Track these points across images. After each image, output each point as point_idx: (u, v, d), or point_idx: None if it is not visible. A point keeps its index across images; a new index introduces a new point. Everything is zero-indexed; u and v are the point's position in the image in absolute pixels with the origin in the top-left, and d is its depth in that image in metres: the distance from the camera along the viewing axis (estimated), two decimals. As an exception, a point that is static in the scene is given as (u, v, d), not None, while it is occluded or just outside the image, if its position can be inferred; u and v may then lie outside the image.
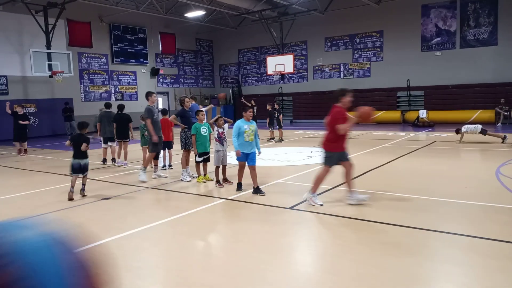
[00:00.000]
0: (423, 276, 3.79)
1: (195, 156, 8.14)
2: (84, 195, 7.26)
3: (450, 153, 11.17)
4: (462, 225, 5.18)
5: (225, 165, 7.84)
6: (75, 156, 7.30)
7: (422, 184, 7.55)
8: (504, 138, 12.40)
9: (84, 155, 7.35)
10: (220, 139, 7.75)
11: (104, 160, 11.08)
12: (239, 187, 7.22)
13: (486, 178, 7.92)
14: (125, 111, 11.03)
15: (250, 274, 3.91)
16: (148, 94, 8.90)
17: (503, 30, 19.97)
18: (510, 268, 3.83)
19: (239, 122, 7.01)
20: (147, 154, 10.24)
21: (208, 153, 8.19)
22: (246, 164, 7.05)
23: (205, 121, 8.28)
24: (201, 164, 8.21)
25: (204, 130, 8.03)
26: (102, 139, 11.05)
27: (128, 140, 10.73)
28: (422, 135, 16.31)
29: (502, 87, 19.68)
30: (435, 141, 13.80)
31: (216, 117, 8.06)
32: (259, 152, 7.19)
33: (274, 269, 4.02)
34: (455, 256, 4.22)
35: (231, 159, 8.38)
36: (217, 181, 7.74)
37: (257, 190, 6.94)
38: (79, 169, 7.24)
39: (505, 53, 19.97)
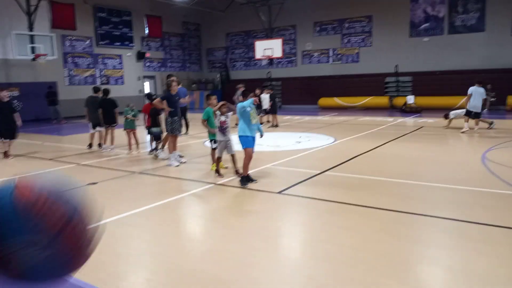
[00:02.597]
0: (411, 260, 3.80)
1: (211, 142, 7.59)
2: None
3: (437, 139, 11.25)
4: (450, 209, 5.22)
5: (234, 154, 7.13)
6: (153, 125, 9.21)
7: (410, 169, 7.60)
8: (491, 123, 12.52)
9: (157, 124, 9.24)
10: (222, 128, 7.07)
11: (90, 145, 10.90)
12: (247, 180, 6.52)
13: (473, 163, 8.00)
14: (111, 95, 10.82)
15: (238, 260, 3.88)
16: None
17: (490, 16, 20.04)
18: (495, 251, 3.87)
19: (242, 103, 6.46)
20: (132, 137, 10.15)
21: None
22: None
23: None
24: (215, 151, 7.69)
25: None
26: (90, 124, 10.85)
27: (115, 125, 10.56)
28: (410, 120, 16.40)
29: (488, 74, 19.81)
30: (422, 127, 13.89)
31: (220, 103, 7.24)
32: (262, 135, 6.77)
33: (262, 255, 3.99)
34: (442, 240, 4.25)
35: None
36: (217, 171, 7.21)
37: (249, 178, 6.65)
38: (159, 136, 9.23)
39: (492, 39, 20.08)
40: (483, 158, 8.24)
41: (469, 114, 11.92)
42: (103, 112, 10.37)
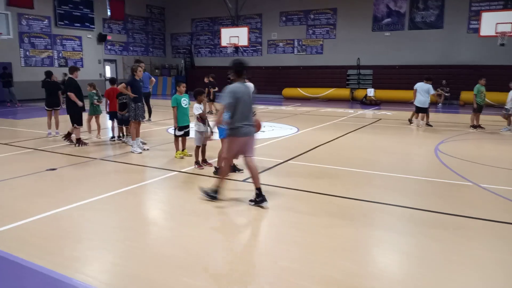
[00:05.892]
0: (366, 244, 4.02)
1: (175, 129, 7.62)
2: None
3: (394, 131, 11.71)
4: (403, 197, 5.51)
5: (205, 145, 7.13)
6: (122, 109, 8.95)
7: (368, 159, 7.91)
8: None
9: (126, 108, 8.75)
10: (202, 119, 7.02)
11: None
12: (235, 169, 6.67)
13: (426, 154, 8.43)
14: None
15: (201, 243, 3.96)
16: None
17: (449, 14, 20.86)
18: (444, 236, 4.16)
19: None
20: (95, 123, 9.92)
21: (188, 126, 7.68)
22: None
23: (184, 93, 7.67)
24: (179, 138, 7.74)
25: (184, 102, 7.50)
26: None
27: (59, 108, 10.30)
28: (369, 112, 16.92)
29: (444, 69, 20.73)
30: (380, 119, 14.38)
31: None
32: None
33: (224, 238, 4.10)
34: (396, 226, 4.51)
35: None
36: (197, 162, 7.07)
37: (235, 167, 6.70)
38: None
39: (449, 36, 20.95)
40: (436, 150, 8.70)
41: (418, 110, 12.39)
42: (46, 94, 10.02)
